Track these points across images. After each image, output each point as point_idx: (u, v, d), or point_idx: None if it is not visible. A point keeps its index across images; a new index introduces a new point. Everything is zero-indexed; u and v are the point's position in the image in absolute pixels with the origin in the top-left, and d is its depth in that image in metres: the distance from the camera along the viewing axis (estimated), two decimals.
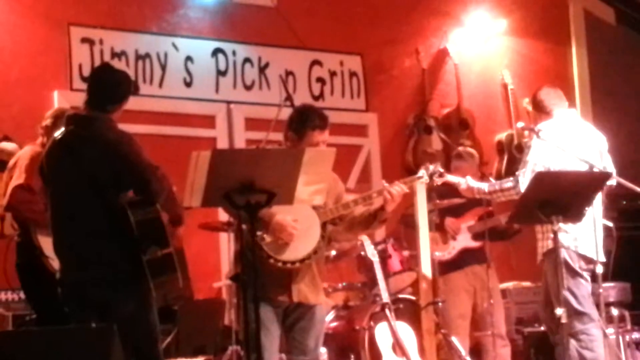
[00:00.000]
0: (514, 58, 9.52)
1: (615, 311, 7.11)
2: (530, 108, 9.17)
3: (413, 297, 6.87)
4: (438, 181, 5.25)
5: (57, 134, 4.74)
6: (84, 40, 7.35)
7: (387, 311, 6.41)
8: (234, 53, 8.02)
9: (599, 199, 5.68)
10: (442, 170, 5.21)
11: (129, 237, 4.50)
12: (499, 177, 8.30)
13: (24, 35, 7.15)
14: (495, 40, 9.41)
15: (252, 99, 8.03)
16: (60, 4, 7.31)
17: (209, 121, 7.86)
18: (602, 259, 5.78)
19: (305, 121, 4.92)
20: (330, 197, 4.88)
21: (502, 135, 9.17)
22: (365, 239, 6.68)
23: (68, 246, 4.62)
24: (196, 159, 4.10)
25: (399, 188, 4.87)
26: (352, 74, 8.57)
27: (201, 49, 7.89)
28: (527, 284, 8.08)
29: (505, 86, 9.33)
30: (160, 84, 7.66)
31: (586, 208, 5.34)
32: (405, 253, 7.09)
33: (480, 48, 9.31)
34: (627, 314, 7.40)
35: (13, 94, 7.00)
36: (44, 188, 4.95)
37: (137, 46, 7.57)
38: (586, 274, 5.74)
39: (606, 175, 5.49)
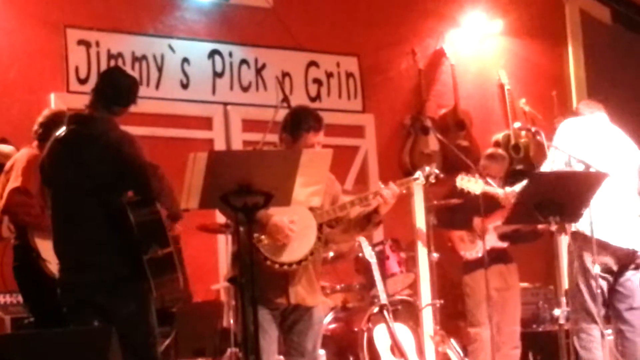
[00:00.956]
0: (511, 58, 9.52)
1: None
2: (527, 108, 9.25)
3: (411, 299, 6.88)
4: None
5: (58, 133, 4.75)
6: (81, 42, 7.32)
7: (385, 313, 6.42)
8: (230, 54, 7.99)
9: (634, 181, 5.63)
10: (437, 172, 5.19)
11: (129, 237, 4.50)
12: None
13: (21, 37, 7.13)
14: (492, 40, 9.40)
15: (248, 100, 8.00)
16: (56, 6, 7.29)
17: (205, 123, 7.84)
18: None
19: (299, 123, 4.91)
20: (327, 199, 4.87)
21: (499, 136, 9.16)
22: (362, 240, 6.68)
23: (68, 246, 4.63)
24: (193, 160, 4.10)
25: (389, 191, 4.86)
26: (349, 75, 8.55)
27: (198, 50, 7.87)
28: (525, 284, 8.07)
29: (501, 86, 9.32)
30: (157, 86, 7.64)
31: (583, 208, 5.35)
32: (403, 255, 7.10)
33: (476, 48, 9.30)
34: None
35: (10, 97, 6.98)
36: (43, 189, 4.94)
37: (134, 48, 7.55)
38: (604, 265, 5.58)
39: (602, 176, 5.50)
